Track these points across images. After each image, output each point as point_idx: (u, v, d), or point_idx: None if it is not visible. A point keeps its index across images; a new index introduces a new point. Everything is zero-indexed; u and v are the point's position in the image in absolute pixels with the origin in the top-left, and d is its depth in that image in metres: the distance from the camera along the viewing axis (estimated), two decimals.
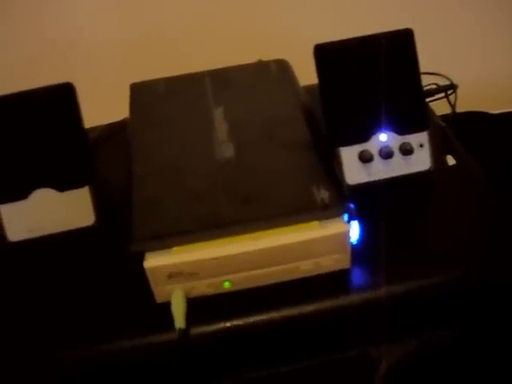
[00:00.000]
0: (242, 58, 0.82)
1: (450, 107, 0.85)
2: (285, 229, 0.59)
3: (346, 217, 0.59)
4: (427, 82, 0.83)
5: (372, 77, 0.68)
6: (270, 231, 0.59)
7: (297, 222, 0.59)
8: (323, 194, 0.60)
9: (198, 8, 1.02)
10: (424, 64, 0.71)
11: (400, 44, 0.68)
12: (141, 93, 0.79)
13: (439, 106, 0.87)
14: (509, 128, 1.00)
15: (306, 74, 0.74)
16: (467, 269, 0.63)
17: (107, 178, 0.73)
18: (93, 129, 0.81)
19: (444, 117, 0.84)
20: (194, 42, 1.02)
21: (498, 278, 0.63)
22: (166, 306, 0.59)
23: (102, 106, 0.81)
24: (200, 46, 1.02)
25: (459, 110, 0.93)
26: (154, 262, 0.57)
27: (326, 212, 0.59)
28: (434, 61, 0.79)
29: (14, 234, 0.68)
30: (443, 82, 0.83)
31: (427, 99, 0.83)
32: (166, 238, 0.58)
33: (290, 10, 1.03)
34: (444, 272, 0.62)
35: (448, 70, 0.84)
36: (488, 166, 0.74)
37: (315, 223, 0.59)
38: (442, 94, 0.85)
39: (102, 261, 0.65)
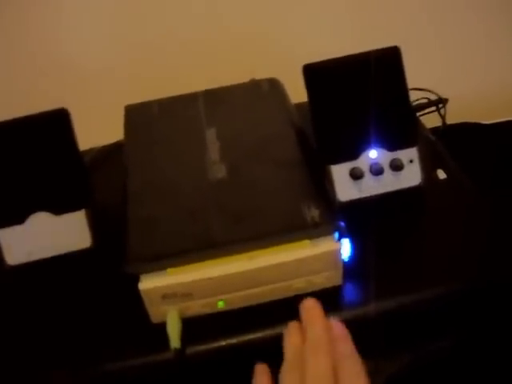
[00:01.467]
0: (235, 78, 0.83)
1: (441, 120, 0.86)
2: (276, 248, 0.60)
3: (336, 235, 0.60)
4: (418, 97, 0.85)
5: (361, 94, 0.69)
6: (262, 251, 0.59)
7: (288, 241, 0.60)
8: (313, 213, 0.61)
9: (190, 28, 1.03)
10: (415, 80, 0.72)
11: (387, 61, 0.69)
12: (135, 114, 0.80)
13: (431, 120, 0.88)
14: (501, 137, 1.00)
15: (299, 92, 0.75)
16: (460, 282, 0.63)
17: (103, 200, 0.73)
18: (88, 151, 0.82)
19: (436, 130, 0.85)
20: (188, 62, 1.04)
21: (490, 290, 0.64)
22: (163, 326, 0.59)
23: (98, 128, 0.82)
24: (194, 66, 1.03)
25: (452, 121, 0.94)
26: (148, 283, 0.58)
27: (316, 230, 0.60)
28: (425, 76, 0.80)
29: (13, 257, 0.69)
30: (434, 97, 0.84)
31: (418, 113, 0.85)
32: (160, 260, 0.59)
33: (282, 29, 1.04)
34: (436, 286, 0.63)
35: (439, 85, 0.85)
36: (482, 175, 0.75)
37: (306, 242, 0.60)
38: (434, 108, 0.86)
39: (99, 283, 0.66)
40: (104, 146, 0.85)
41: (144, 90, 0.82)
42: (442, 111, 0.85)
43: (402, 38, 0.71)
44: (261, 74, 0.85)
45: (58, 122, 0.68)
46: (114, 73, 1.03)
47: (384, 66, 0.69)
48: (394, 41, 0.70)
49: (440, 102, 0.83)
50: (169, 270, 0.59)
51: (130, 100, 0.83)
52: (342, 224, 0.61)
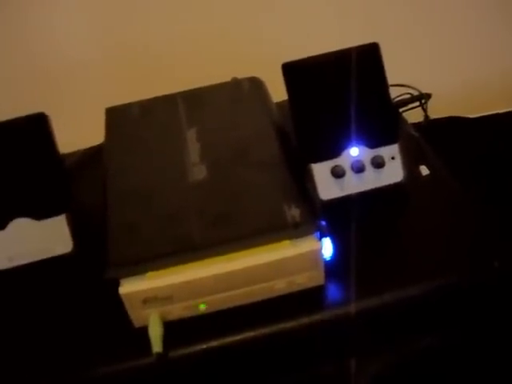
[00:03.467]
0: (216, 78, 0.83)
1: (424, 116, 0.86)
2: (257, 249, 0.59)
3: (317, 234, 0.60)
4: (401, 92, 0.84)
5: (341, 92, 0.68)
6: (243, 252, 0.59)
7: (268, 241, 0.59)
8: (294, 212, 0.61)
9: (171, 29, 1.03)
10: (398, 75, 0.72)
11: (367, 58, 0.69)
12: (116, 117, 0.80)
13: (415, 115, 0.88)
14: (486, 131, 1.00)
15: (282, 91, 0.75)
16: (443, 279, 0.63)
17: (85, 204, 0.73)
18: (70, 154, 0.82)
19: (419, 125, 0.84)
20: (169, 62, 1.03)
21: (473, 287, 0.64)
22: (145, 331, 0.59)
23: (81, 131, 0.81)
24: (175, 66, 1.03)
25: (438, 115, 0.94)
26: (128, 288, 0.58)
27: (297, 230, 0.60)
28: (408, 72, 0.80)
29: None
30: (417, 93, 0.84)
31: (401, 109, 0.84)
32: (140, 264, 0.59)
33: (262, 28, 1.04)
34: (419, 283, 0.63)
35: (423, 80, 0.84)
36: (466, 170, 0.75)
37: (287, 242, 0.59)
38: (417, 103, 0.86)
39: (80, 287, 0.66)
40: (87, 149, 0.85)
41: (126, 92, 0.82)
42: (424, 106, 0.84)
43: (384, 34, 0.71)
44: (242, 73, 0.85)
45: (36, 127, 0.68)
46: (95, 75, 1.03)
47: (363, 62, 0.69)
48: (375, 37, 0.70)
49: (422, 98, 0.83)
50: (149, 273, 0.58)
51: (113, 102, 0.82)
52: (323, 223, 0.61)
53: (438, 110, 0.90)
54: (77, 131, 0.82)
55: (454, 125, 1.00)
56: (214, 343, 0.60)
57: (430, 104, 0.87)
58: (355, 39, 0.69)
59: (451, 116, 1.04)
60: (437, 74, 0.98)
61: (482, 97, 1.06)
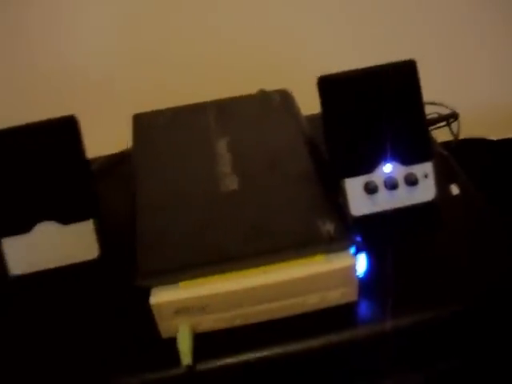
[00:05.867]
0: (243, 88, 0.82)
1: (451, 135, 0.85)
2: (291, 263, 0.58)
3: (352, 250, 0.59)
4: (429, 111, 0.84)
5: (376, 107, 0.68)
6: (276, 265, 0.58)
7: (303, 255, 0.59)
8: (329, 227, 0.60)
9: (199, 38, 1.03)
10: (425, 93, 0.71)
11: (403, 74, 0.68)
12: (143, 123, 0.79)
13: (439, 134, 0.88)
14: (509, 154, 1.00)
15: (308, 104, 0.74)
16: (474, 300, 0.62)
17: (110, 210, 0.72)
18: (94, 160, 0.81)
19: (445, 144, 0.84)
20: (195, 72, 1.03)
21: (506, 307, 0.63)
22: (172, 341, 0.58)
23: (104, 137, 0.80)
24: (201, 76, 1.02)
25: (462, 136, 0.93)
26: (160, 297, 0.57)
27: (331, 245, 0.59)
28: (435, 90, 0.79)
29: (17, 267, 0.67)
30: (445, 111, 0.84)
31: (429, 128, 0.84)
32: (173, 273, 0.58)
33: (291, 40, 1.04)
34: (451, 303, 0.62)
35: (449, 99, 0.84)
36: (489, 192, 0.74)
37: (321, 257, 0.59)
38: (444, 123, 0.85)
39: (106, 295, 0.65)
40: (111, 155, 0.84)
41: (152, 99, 0.81)
42: (454, 126, 0.84)
43: (412, 51, 0.70)
44: (270, 85, 0.84)
45: (66, 130, 0.67)
46: (123, 81, 1.03)
47: (400, 78, 0.68)
48: (404, 54, 0.69)
49: (452, 117, 0.83)
50: (181, 283, 0.57)
51: (136, 109, 0.81)
52: (358, 239, 0.60)
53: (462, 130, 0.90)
54: (98, 138, 0.81)
55: (477, 146, 0.99)
56: (244, 357, 0.58)
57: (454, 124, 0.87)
58: (384, 54, 0.69)
59: (472, 138, 1.03)
60: (463, 94, 0.98)
61: (507, 120, 1.06)
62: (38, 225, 0.67)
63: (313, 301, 0.60)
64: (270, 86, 0.84)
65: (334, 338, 0.60)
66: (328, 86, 0.68)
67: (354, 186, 0.68)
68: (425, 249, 0.67)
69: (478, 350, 0.64)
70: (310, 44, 1.04)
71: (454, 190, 0.73)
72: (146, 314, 0.58)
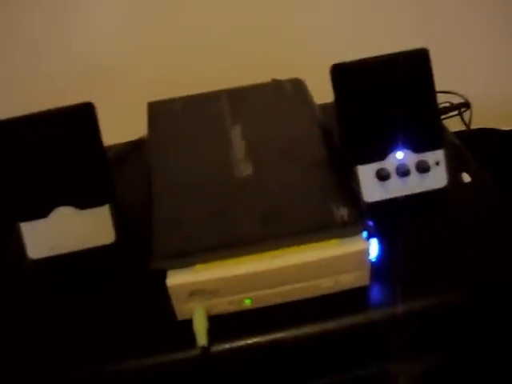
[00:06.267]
0: (256, 78, 0.83)
1: (463, 124, 0.86)
2: (305, 246, 0.59)
3: (365, 234, 0.60)
4: (441, 100, 0.84)
5: (388, 95, 0.68)
6: (290, 249, 0.59)
7: (317, 239, 0.59)
8: (342, 212, 0.61)
9: (213, 27, 1.03)
10: (437, 82, 0.72)
11: (416, 63, 0.69)
12: (158, 111, 0.80)
13: (451, 123, 0.88)
14: None
15: (321, 93, 0.75)
16: (485, 285, 0.63)
17: (126, 196, 0.73)
18: (110, 147, 0.82)
19: (457, 134, 0.84)
20: (209, 61, 1.04)
21: None
22: (187, 323, 0.59)
23: (118, 125, 0.81)
24: (214, 65, 1.03)
25: (471, 127, 0.93)
26: (176, 279, 0.58)
27: (345, 230, 0.60)
28: (447, 79, 0.80)
29: (35, 251, 0.68)
30: (457, 100, 0.84)
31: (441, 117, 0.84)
32: (188, 256, 0.59)
33: (303, 29, 1.04)
34: (462, 288, 0.63)
35: (461, 88, 0.84)
36: (499, 182, 0.75)
37: (335, 241, 0.59)
38: (456, 112, 0.86)
39: (122, 278, 0.66)
40: (127, 142, 0.85)
41: (166, 87, 0.82)
42: (466, 115, 0.84)
43: (426, 39, 0.71)
44: (281, 74, 0.85)
45: (83, 116, 0.68)
46: (137, 69, 1.03)
47: (412, 67, 0.69)
48: (417, 42, 0.70)
49: (464, 106, 0.83)
50: (197, 266, 0.58)
51: (151, 98, 0.82)
52: (371, 224, 0.61)
53: (474, 120, 0.90)
54: (113, 125, 0.82)
55: (489, 136, 0.99)
56: (258, 339, 0.59)
57: (466, 114, 0.87)
58: (396, 42, 0.69)
59: (483, 128, 1.03)
60: (476, 84, 0.98)
61: None
62: (55, 210, 0.68)
63: (326, 284, 0.61)
64: (283, 74, 0.84)
65: (346, 321, 0.61)
66: (341, 74, 0.69)
67: (366, 173, 0.69)
68: (435, 235, 0.68)
69: (488, 334, 0.65)
70: (322, 33, 1.04)
71: (466, 177, 0.74)
72: (162, 297, 0.59)
